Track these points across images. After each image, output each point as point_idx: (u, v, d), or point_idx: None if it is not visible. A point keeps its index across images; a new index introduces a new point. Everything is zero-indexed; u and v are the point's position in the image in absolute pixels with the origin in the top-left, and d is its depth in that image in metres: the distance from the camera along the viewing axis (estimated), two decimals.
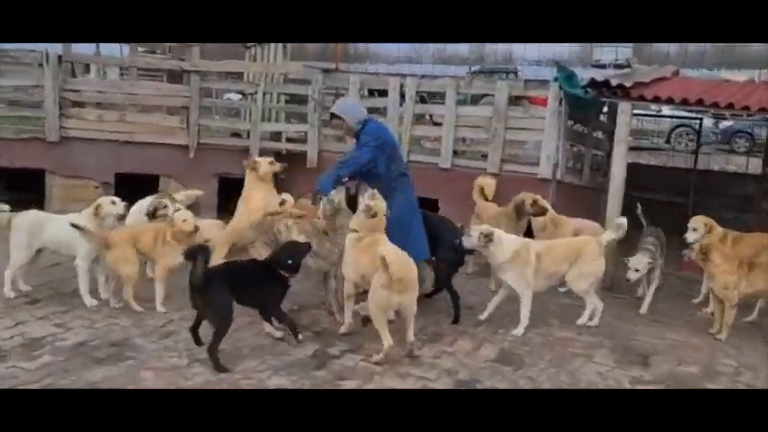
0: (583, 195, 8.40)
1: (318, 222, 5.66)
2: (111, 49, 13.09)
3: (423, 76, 9.34)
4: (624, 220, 6.07)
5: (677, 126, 19.52)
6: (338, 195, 5.60)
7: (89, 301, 5.62)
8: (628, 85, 6.95)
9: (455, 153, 8.29)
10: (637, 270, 6.12)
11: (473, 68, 25.64)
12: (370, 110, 9.32)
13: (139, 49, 22.53)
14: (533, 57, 30.45)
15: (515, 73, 24.90)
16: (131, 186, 7.80)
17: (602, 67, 32.00)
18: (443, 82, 8.52)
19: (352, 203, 5.68)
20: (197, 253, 4.49)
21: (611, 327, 5.93)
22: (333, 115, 5.86)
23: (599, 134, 9.01)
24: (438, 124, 8.51)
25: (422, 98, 8.94)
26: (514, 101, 8.57)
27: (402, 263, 4.74)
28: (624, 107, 7.02)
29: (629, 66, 29.96)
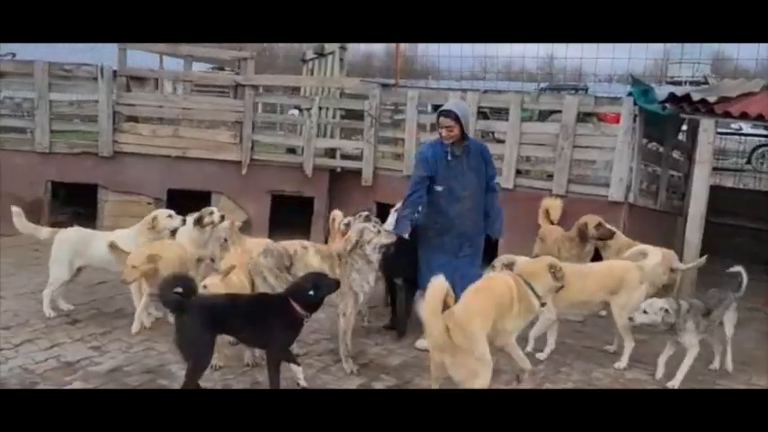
0: (658, 220, 7.74)
1: (335, 246, 5.23)
2: (174, 64, 13.23)
3: (485, 91, 8.84)
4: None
5: (760, 146, 18.35)
6: (389, 239, 5.08)
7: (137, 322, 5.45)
8: (711, 100, 6.32)
9: (518, 172, 7.77)
10: (645, 312, 4.84)
11: (541, 85, 24.91)
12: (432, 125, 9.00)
13: (208, 66, 22.98)
14: (605, 73, 29.38)
15: (585, 90, 23.99)
16: (183, 203, 7.65)
17: (679, 83, 30.59)
18: (507, 97, 8.02)
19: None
20: (174, 283, 4.04)
21: (690, 369, 5.28)
22: (444, 113, 5.24)
23: (676, 154, 8.30)
24: (501, 141, 8.01)
25: (484, 114, 8.47)
26: (582, 118, 8.07)
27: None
28: (707, 124, 6.40)
29: (706, 82, 28.51)
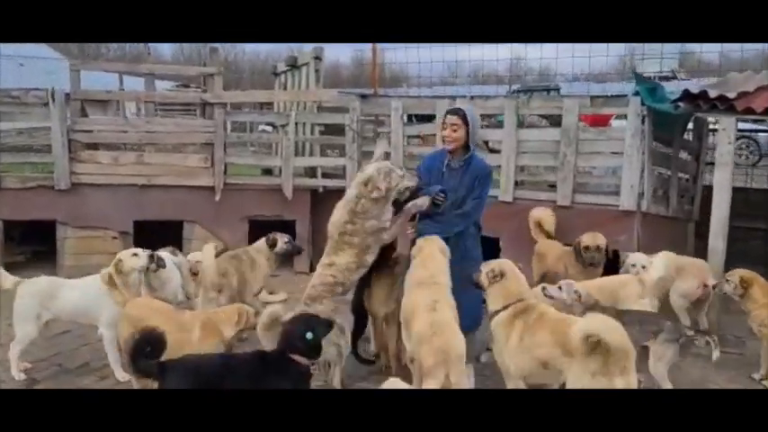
0: (669, 227, 7.19)
1: None
2: (136, 84, 12.44)
3: (472, 97, 8.26)
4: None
5: (738, 138, 18.17)
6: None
7: (120, 374, 4.91)
8: (731, 96, 5.77)
9: (517, 184, 7.16)
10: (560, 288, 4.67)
11: (513, 87, 24.58)
12: (414, 137, 8.40)
13: (172, 83, 22.20)
14: (570, 72, 29.22)
15: (557, 90, 23.75)
16: (153, 235, 6.98)
17: (648, 79, 30.59)
18: (499, 102, 7.43)
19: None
20: (144, 343, 3.46)
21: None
22: (452, 111, 4.69)
23: (683, 155, 7.77)
24: (495, 151, 7.41)
25: None
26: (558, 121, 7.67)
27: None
28: (727, 123, 5.84)
29: (674, 77, 28.57)
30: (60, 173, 7.75)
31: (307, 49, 8.80)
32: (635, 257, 5.59)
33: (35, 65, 26.42)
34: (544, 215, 6.71)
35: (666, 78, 27.24)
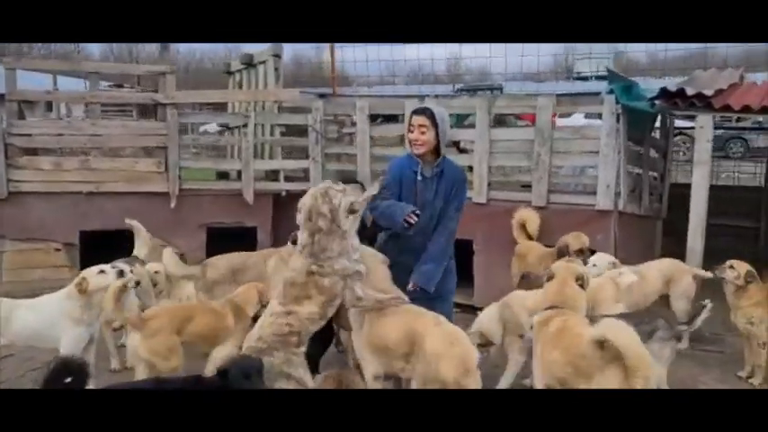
0: (642, 226, 7.14)
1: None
2: (70, 84, 11.68)
3: (436, 96, 8.03)
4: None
5: (676, 135, 18.76)
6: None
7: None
8: (708, 94, 5.73)
9: (490, 185, 6.95)
10: None
11: (457, 87, 24.65)
12: (379, 140, 8.10)
13: (104, 83, 21.10)
14: (509, 71, 29.50)
15: (500, 89, 23.95)
16: (101, 246, 6.43)
17: (585, 79, 31.30)
18: (469, 101, 7.21)
19: None
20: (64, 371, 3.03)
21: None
22: (419, 111, 4.20)
23: (652, 153, 7.74)
24: (465, 151, 7.18)
25: None
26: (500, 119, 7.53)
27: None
28: (704, 121, 5.79)
29: None
30: None
31: (261, 47, 8.38)
32: (595, 258, 5.51)
33: None
34: (530, 216, 6.53)
35: (603, 78, 27.87)
